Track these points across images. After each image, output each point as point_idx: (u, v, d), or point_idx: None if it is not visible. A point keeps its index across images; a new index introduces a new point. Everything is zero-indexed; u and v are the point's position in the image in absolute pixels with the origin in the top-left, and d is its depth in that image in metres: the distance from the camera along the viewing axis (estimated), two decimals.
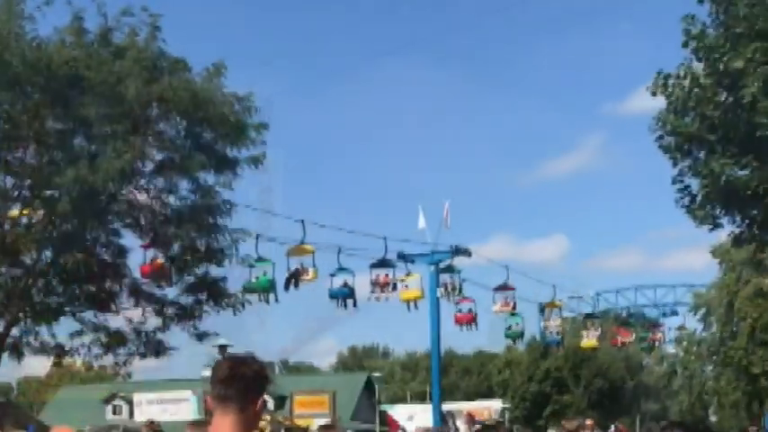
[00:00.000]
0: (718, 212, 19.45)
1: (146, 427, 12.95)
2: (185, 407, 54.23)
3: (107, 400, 67.57)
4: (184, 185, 25.26)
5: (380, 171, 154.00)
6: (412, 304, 33.23)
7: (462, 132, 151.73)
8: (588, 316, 44.97)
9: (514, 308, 36.80)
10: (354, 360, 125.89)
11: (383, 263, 30.95)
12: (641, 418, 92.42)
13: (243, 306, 26.93)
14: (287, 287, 27.32)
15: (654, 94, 19.04)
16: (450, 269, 33.56)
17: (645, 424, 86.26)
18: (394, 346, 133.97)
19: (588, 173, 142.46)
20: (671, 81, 18.67)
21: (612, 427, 40.57)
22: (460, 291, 33.90)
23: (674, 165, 19.44)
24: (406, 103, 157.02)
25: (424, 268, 33.86)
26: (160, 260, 25.30)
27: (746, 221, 19.66)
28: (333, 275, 30.54)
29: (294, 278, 27.27)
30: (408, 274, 33.27)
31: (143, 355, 27.51)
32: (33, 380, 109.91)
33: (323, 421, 42.31)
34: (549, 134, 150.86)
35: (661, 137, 19.26)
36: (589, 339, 46.46)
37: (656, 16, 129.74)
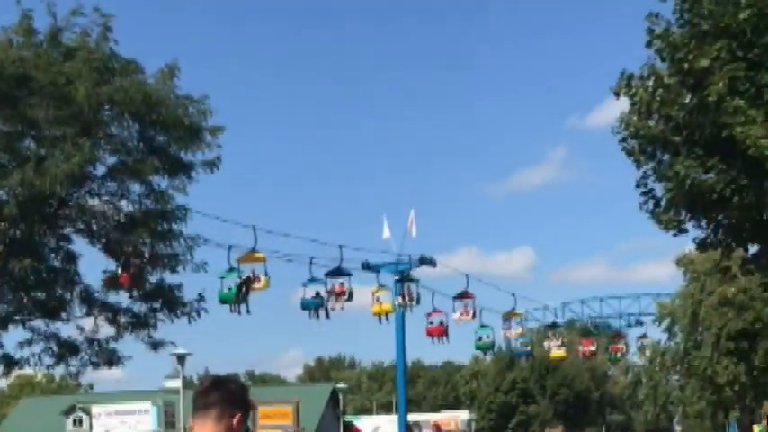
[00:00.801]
0: (683, 217, 18.93)
1: None
2: (145, 419, 53.23)
3: (67, 413, 66.44)
4: (137, 190, 24.45)
5: (344, 178, 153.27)
6: (383, 317, 33.47)
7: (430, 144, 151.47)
8: (550, 326, 44.79)
9: (474, 316, 36.71)
10: (321, 371, 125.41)
11: (338, 272, 30.29)
12: (607, 429, 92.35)
13: (198, 314, 26.15)
14: (237, 295, 26.50)
15: (617, 95, 18.55)
16: (408, 278, 33.06)
17: None
18: (361, 357, 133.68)
19: (554, 186, 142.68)
20: (634, 82, 18.18)
21: None
22: (418, 301, 33.44)
23: (638, 168, 18.94)
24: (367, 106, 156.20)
25: (389, 278, 33.82)
26: (132, 269, 24.64)
27: (712, 226, 19.14)
28: (305, 285, 30.50)
29: (245, 286, 26.44)
30: (380, 288, 33.46)
31: (96, 365, 26.61)
32: None
33: None
34: (516, 146, 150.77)
35: (624, 139, 18.75)
36: (556, 350, 46.45)
37: (623, 21, 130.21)
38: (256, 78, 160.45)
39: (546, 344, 44.99)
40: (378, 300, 33.56)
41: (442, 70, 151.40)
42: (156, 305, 26.01)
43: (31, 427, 63.27)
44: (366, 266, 33.09)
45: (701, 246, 19.55)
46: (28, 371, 28.35)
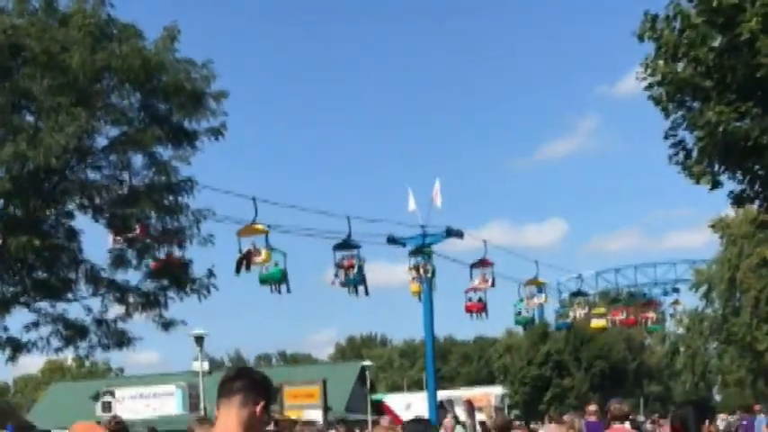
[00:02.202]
0: (716, 169, 17.49)
1: (107, 424, 11.21)
2: (169, 401, 52.45)
3: (96, 397, 65.92)
4: (140, 161, 23.39)
5: (370, 148, 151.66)
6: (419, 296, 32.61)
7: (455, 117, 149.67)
8: (575, 294, 43.68)
9: (493, 284, 35.08)
10: (353, 350, 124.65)
11: (346, 244, 28.92)
12: (645, 400, 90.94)
13: (208, 291, 25.10)
14: (238, 270, 25.15)
15: (641, 38, 17.12)
16: (421, 251, 31.93)
17: (649, 405, 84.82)
18: (393, 334, 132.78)
19: (584, 156, 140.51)
20: (659, 23, 16.73)
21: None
22: (434, 273, 32.27)
23: (666, 117, 17.50)
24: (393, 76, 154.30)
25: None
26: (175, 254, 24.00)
27: (748, 178, 17.66)
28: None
29: (246, 260, 25.05)
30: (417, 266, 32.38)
31: (106, 347, 25.71)
32: (29, 378, 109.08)
33: (314, 413, 40.83)
34: (544, 117, 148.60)
35: (650, 86, 17.32)
36: (596, 320, 45.43)
37: None
38: (267, 41, 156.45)
39: (572, 313, 43.78)
40: (413, 279, 32.35)
41: (467, 41, 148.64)
42: (165, 283, 25.11)
43: (61, 411, 62.83)
44: (391, 240, 31.81)
45: (737, 200, 18.07)
46: (59, 356, 27.33)
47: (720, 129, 15.83)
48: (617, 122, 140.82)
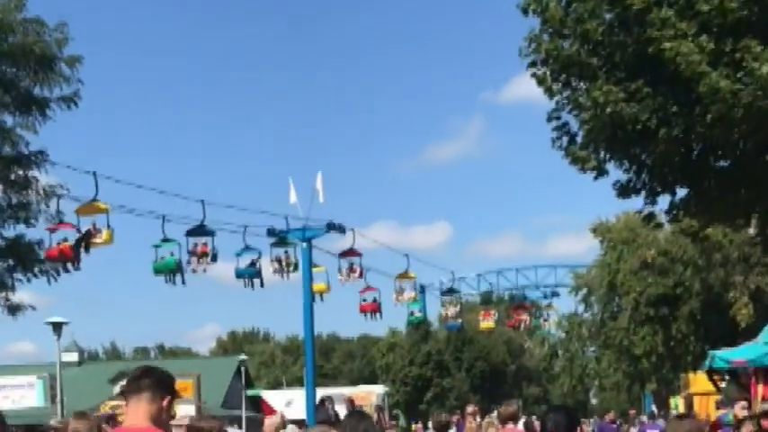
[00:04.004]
0: (602, 156, 16.29)
1: None
2: (30, 393, 49.65)
3: None
4: None
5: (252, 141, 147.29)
6: (318, 296, 33.30)
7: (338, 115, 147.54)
8: (447, 292, 43.36)
9: (361, 275, 34.79)
10: (234, 345, 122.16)
11: (200, 230, 27.30)
12: (524, 402, 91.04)
13: (58, 274, 23.08)
14: (76, 251, 22.98)
15: (525, 11, 15.83)
16: (284, 242, 31.43)
17: (527, 407, 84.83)
18: (275, 330, 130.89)
19: (469, 161, 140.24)
20: None
21: (495, 411, 38.38)
22: (296, 267, 31.68)
23: (550, 97, 16.24)
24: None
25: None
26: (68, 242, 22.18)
27: (635, 167, 16.51)
28: (238, 255, 29.95)
29: (84, 241, 22.86)
30: (315, 266, 32.86)
31: None
32: None
33: (188, 407, 38.83)
34: (429, 121, 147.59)
35: (534, 64, 16.05)
36: (486, 321, 45.95)
37: None
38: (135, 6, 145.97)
39: (442, 312, 43.66)
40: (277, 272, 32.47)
41: (350, 39, 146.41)
42: (11, 263, 23.00)
43: None
44: (272, 233, 31.20)
45: (623, 191, 16.89)
46: None
47: (608, 110, 14.61)
48: (502, 128, 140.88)
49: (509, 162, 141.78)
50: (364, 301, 36.41)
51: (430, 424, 18.87)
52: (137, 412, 4.82)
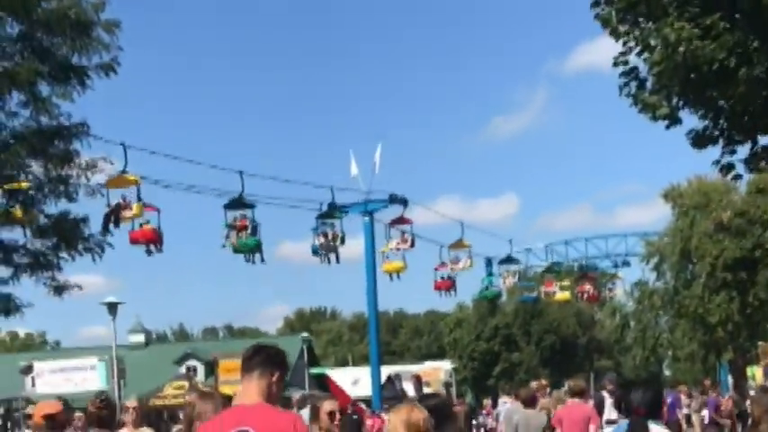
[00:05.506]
0: (674, 102, 14.86)
1: (92, 403, 8.79)
2: (92, 375, 49.46)
3: (25, 371, 62.74)
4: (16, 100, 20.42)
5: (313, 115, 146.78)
6: (395, 275, 33.17)
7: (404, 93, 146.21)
8: (504, 261, 41.93)
9: (413, 245, 33.35)
10: (302, 323, 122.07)
11: (239, 203, 26.19)
12: (595, 375, 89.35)
13: (103, 250, 22.27)
14: (106, 227, 21.98)
15: None
16: (329, 215, 30.14)
17: (599, 380, 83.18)
18: (343, 308, 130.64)
19: (534, 132, 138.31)
20: None
21: (566, 385, 37.11)
22: (343, 240, 30.58)
23: (616, 40, 14.82)
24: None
25: (358, 218, 31.83)
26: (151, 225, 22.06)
27: (711, 114, 15.04)
28: (315, 231, 29.79)
29: (114, 215, 21.81)
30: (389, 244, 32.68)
31: None
32: None
33: None
34: (493, 94, 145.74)
35: (597, 3, 14.67)
36: (561, 293, 44.68)
37: None
38: None
39: (502, 282, 42.38)
40: (387, 257, 32.90)
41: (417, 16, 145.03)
42: (55, 242, 22.25)
43: None
44: (332, 206, 30.12)
45: (698, 140, 15.45)
46: None
47: (680, 50, 13.20)
48: (567, 98, 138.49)
49: (574, 133, 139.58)
50: (441, 278, 36.22)
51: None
52: (249, 390, 5.15)
